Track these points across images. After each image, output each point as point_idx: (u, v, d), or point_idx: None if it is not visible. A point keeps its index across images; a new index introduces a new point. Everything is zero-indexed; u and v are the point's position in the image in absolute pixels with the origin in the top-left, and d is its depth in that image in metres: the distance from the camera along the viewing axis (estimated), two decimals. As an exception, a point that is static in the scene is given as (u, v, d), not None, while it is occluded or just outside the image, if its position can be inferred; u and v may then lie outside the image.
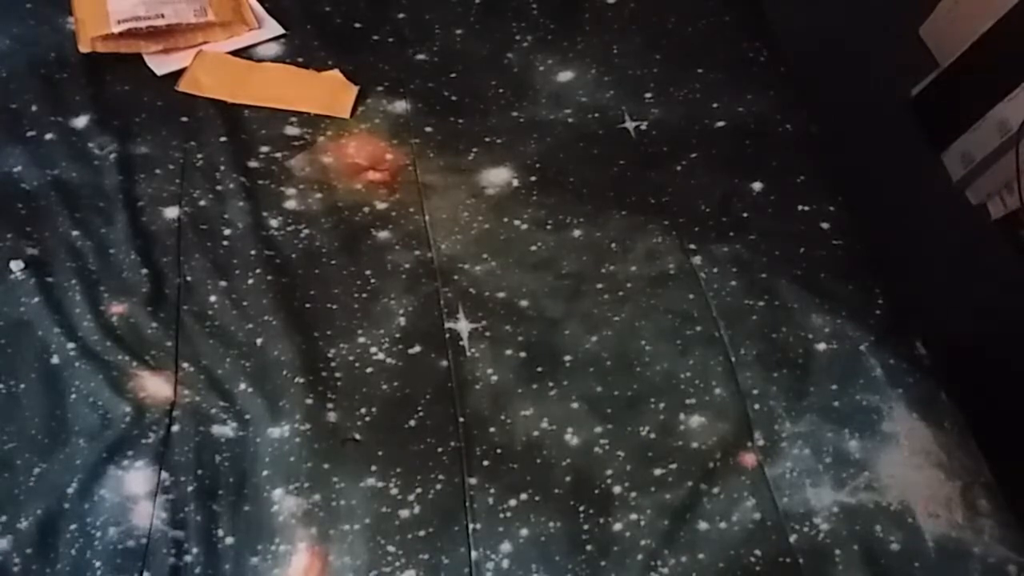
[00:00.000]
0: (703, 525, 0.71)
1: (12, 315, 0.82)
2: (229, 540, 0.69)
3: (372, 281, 0.86)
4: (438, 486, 0.73)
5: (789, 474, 0.73)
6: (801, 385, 0.79)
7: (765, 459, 0.74)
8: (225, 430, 0.76)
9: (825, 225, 0.91)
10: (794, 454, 0.75)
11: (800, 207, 0.91)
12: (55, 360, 0.79)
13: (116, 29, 1.03)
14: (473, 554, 0.69)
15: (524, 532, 0.70)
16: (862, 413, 0.77)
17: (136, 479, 0.73)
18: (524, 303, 0.84)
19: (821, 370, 0.80)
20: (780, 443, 0.75)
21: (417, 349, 0.81)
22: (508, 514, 0.71)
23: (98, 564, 0.68)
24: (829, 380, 0.79)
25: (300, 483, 0.72)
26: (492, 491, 0.72)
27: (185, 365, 0.79)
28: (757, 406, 0.77)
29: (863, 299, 0.85)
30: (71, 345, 0.80)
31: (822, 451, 0.75)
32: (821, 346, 0.81)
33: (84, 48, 1.03)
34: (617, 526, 0.71)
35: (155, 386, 0.78)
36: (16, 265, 0.85)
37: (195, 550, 0.69)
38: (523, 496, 0.72)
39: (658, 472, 0.74)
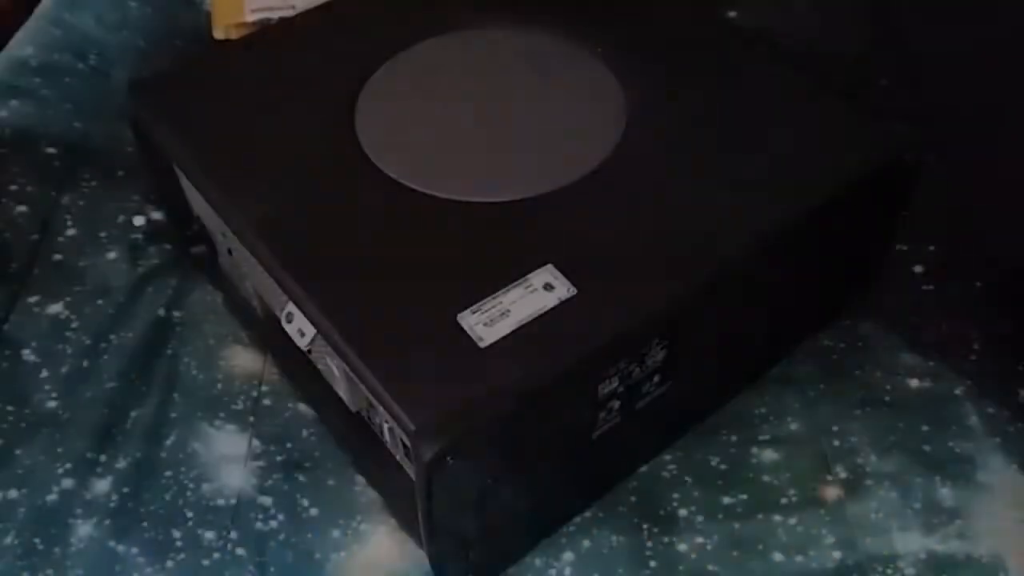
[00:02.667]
0: (778, 556, 0.69)
1: (131, 273, 0.86)
2: (313, 511, 0.71)
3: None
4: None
5: (874, 514, 0.71)
6: (888, 423, 0.76)
7: (847, 495, 0.72)
8: (313, 412, 0.78)
9: (919, 268, 0.87)
10: (880, 495, 0.72)
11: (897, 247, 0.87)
12: (161, 315, 0.83)
13: (250, 19, 1.03)
14: (537, 561, 0.69)
15: (586, 544, 0.70)
16: (954, 460, 0.73)
17: (228, 441, 0.75)
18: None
19: (909, 410, 0.77)
20: (865, 480, 0.73)
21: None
22: (571, 526, 0.71)
23: (190, 515, 0.71)
24: (919, 421, 0.76)
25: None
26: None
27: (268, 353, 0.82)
28: (836, 442, 0.75)
29: (957, 341, 0.81)
30: (177, 312, 0.84)
31: (910, 495, 0.72)
32: (913, 383, 0.78)
33: (219, 35, 1.03)
34: (682, 547, 0.70)
35: (248, 362, 0.81)
36: (138, 220, 0.90)
37: (280, 516, 0.71)
38: (587, 512, 0.72)
39: (727, 501, 0.72)
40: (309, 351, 0.71)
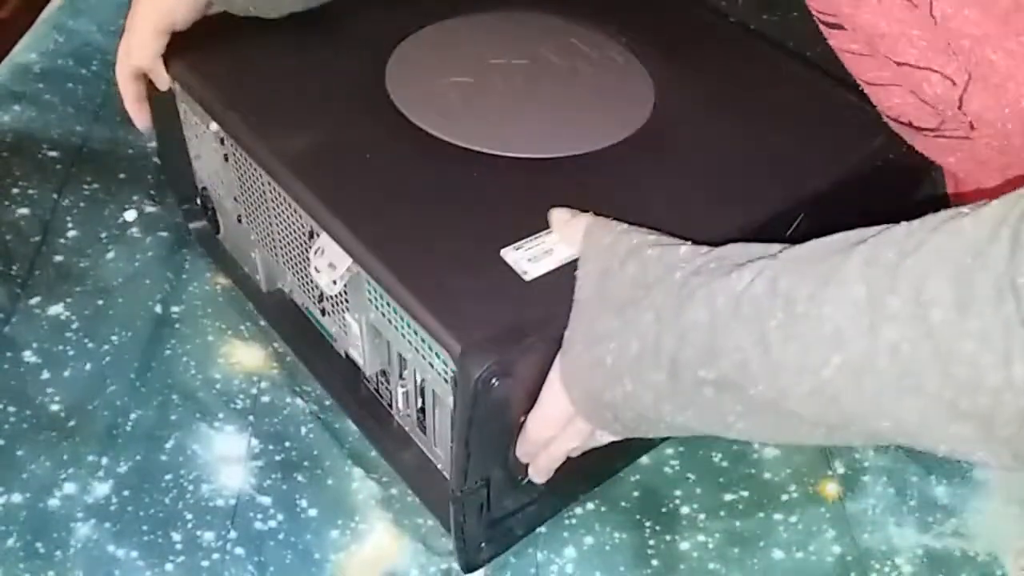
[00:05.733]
0: (778, 554, 0.69)
1: (128, 269, 0.87)
2: (312, 511, 0.71)
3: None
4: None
5: (872, 511, 0.71)
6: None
7: (846, 492, 0.72)
8: (311, 405, 0.78)
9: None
10: (877, 491, 0.72)
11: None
12: (159, 313, 0.84)
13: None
14: (539, 555, 0.69)
15: (588, 540, 0.70)
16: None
17: (228, 442, 0.75)
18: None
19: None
20: (862, 475, 0.73)
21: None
22: (573, 521, 0.71)
23: (189, 517, 0.71)
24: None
25: (379, 475, 0.74)
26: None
27: (275, 345, 0.82)
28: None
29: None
30: (175, 308, 0.84)
31: (906, 492, 0.72)
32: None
33: None
34: (684, 545, 0.70)
35: (247, 357, 0.81)
36: (131, 215, 0.91)
37: (280, 517, 0.71)
38: (589, 506, 0.72)
39: (728, 498, 0.72)
40: (324, 311, 0.71)
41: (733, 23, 0.87)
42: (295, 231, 0.70)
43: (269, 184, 0.71)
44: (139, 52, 0.77)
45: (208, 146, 0.78)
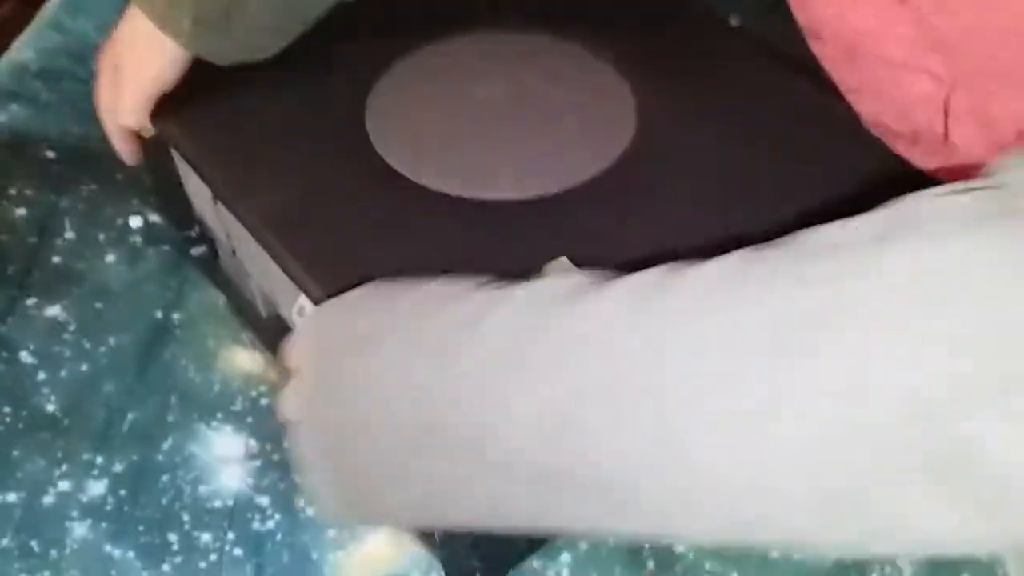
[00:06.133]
0: (775, 553, 0.69)
1: (129, 275, 0.87)
2: (310, 511, 0.71)
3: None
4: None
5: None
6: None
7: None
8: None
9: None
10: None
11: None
12: (159, 318, 0.84)
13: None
14: (535, 563, 0.69)
15: (583, 545, 0.70)
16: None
17: (226, 443, 0.75)
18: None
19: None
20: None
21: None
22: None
23: (186, 518, 0.71)
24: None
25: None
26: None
27: (271, 354, 0.82)
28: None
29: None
30: (176, 315, 0.84)
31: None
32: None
33: None
34: (680, 546, 0.69)
35: (248, 362, 0.81)
36: (135, 222, 0.91)
37: (277, 516, 0.71)
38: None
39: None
40: None
41: (728, 32, 0.85)
42: (283, 280, 0.69)
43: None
44: (129, 116, 0.76)
45: (200, 186, 0.78)
